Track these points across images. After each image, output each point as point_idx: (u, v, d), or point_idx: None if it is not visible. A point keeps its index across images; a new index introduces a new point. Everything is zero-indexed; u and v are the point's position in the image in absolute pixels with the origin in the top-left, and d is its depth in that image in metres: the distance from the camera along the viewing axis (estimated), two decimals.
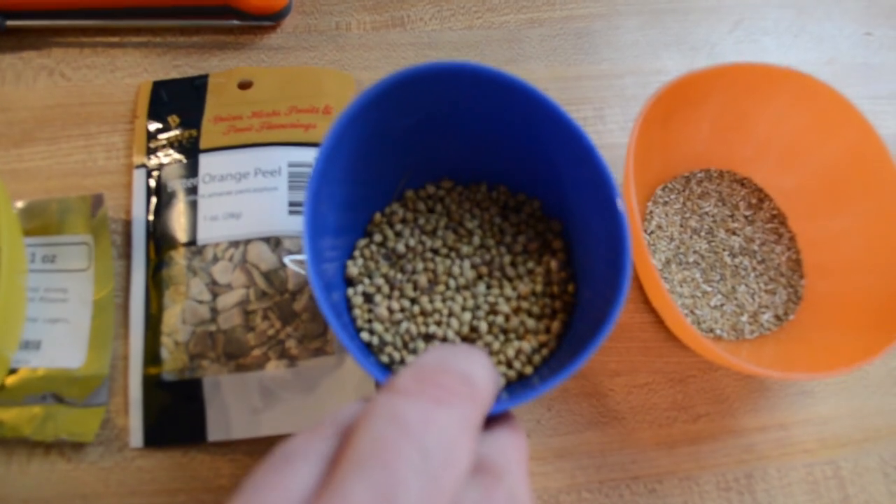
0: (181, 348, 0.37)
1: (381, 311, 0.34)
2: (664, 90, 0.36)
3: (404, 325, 0.34)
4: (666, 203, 0.42)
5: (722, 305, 0.41)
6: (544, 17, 0.47)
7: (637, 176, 0.39)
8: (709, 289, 0.41)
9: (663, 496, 0.38)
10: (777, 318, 0.41)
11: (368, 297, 0.35)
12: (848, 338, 0.38)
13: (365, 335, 0.34)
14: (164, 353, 0.37)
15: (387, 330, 0.34)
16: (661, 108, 0.37)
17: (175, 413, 0.36)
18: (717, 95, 0.40)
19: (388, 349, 0.34)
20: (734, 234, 0.42)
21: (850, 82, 0.48)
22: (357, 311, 0.35)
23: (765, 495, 0.39)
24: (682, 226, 0.42)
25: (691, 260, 0.41)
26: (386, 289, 0.35)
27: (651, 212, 0.42)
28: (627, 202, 0.35)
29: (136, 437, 0.36)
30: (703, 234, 0.42)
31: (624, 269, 0.29)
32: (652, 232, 0.41)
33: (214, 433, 0.36)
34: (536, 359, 0.34)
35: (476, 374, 0.22)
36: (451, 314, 0.35)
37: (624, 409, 0.40)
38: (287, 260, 0.38)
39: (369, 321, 0.35)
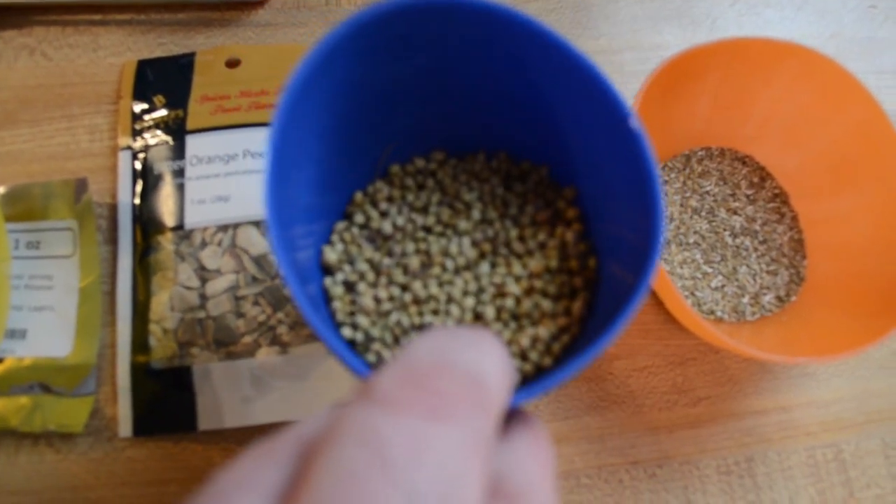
0: (170, 336, 0.36)
1: (366, 301, 0.29)
2: (663, 67, 0.35)
3: (394, 316, 0.29)
4: (666, 182, 0.41)
5: (723, 287, 0.40)
6: None
7: None
8: (709, 270, 0.40)
9: (663, 481, 0.38)
10: (779, 299, 0.40)
11: (350, 287, 0.30)
12: (851, 320, 0.37)
13: (347, 331, 0.28)
14: (153, 341, 0.36)
15: (373, 323, 0.29)
16: (660, 85, 0.36)
17: (165, 402, 0.36)
18: (717, 71, 0.39)
19: (376, 346, 0.28)
20: (735, 213, 0.41)
21: (854, 56, 0.47)
22: (337, 304, 0.29)
23: (765, 479, 0.38)
24: (682, 205, 0.41)
25: (692, 241, 0.40)
26: (371, 275, 0.30)
27: None
28: None
29: (125, 426, 0.35)
30: (703, 213, 0.41)
31: (656, 207, 0.25)
32: None
33: (205, 422, 0.35)
34: (556, 347, 0.28)
35: (486, 368, 0.16)
36: (450, 300, 0.29)
37: (623, 394, 0.39)
38: None
39: (352, 314, 0.29)
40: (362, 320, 0.29)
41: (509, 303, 0.29)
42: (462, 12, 0.26)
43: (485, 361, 0.16)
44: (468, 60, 0.29)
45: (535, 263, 0.30)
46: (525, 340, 0.28)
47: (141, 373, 0.36)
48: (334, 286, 0.29)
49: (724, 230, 0.41)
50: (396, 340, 0.29)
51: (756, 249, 0.41)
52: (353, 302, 0.29)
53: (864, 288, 0.38)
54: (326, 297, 0.29)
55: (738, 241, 0.41)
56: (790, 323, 0.39)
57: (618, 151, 0.27)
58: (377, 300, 0.29)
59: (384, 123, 0.31)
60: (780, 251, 0.41)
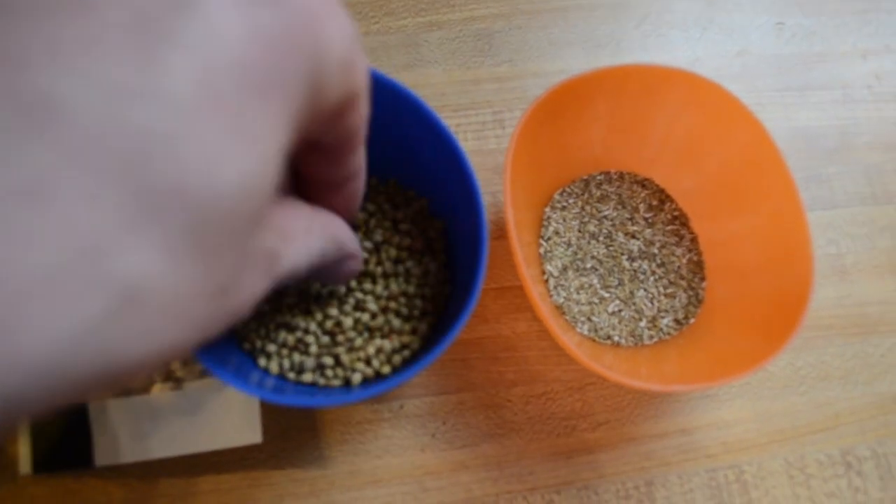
0: None
1: None
2: (546, 95, 0.36)
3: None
4: (564, 208, 0.41)
5: (620, 311, 0.40)
6: (443, 19, 0.46)
7: (532, 181, 0.38)
8: (606, 295, 0.40)
9: None
10: (677, 322, 0.40)
11: None
12: (746, 341, 0.37)
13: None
14: None
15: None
16: (546, 111, 0.37)
17: (62, 439, 0.36)
18: (607, 97, 0.39)
19: (252, 336, 0.34)
20: (633, 237, 0.41)
21: (761, 74, 0.47)
22: None
23: (665, 502, 0.38)
24: (580, 231, 0.41)
25: (589, 266, 0.40)
26: None
27: (548, 217, 0.41)
28: (505, 210, 0.34)
29: (24, 464, 0.36)
30: (601, 238, 0.41)
31: (479, 266, 0.31)
32: (549, 238, 0.41)
33: (102, 458, 0.36)
34: (397, 359, 0.34)
35: None
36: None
37: (521, 420, 0.39)
38: None
39: None
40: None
41: (365, 317, 0.34)
42: None
43: None
44: None
45: (395, 287, 0.35)
46: (371, 349, 0.33)
47: None
48: None
49: (622, 254, 0.41)
50: (268, 335, 0.34)
51: (654, 273, 0.41)
52: None
53: (757, 308, 0.38)
54: None
55: (635, 264, 0.41)
56: (688, 346, 0.39)
57: (465, 203, 0.33)
58: None
59: None
60: (678, 274, 0.41)
